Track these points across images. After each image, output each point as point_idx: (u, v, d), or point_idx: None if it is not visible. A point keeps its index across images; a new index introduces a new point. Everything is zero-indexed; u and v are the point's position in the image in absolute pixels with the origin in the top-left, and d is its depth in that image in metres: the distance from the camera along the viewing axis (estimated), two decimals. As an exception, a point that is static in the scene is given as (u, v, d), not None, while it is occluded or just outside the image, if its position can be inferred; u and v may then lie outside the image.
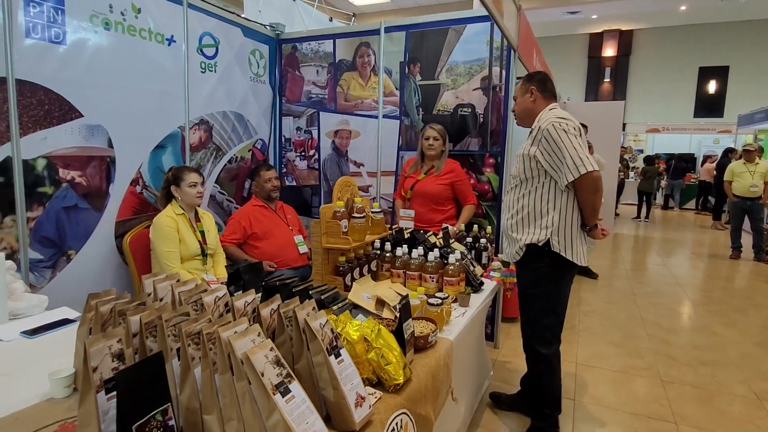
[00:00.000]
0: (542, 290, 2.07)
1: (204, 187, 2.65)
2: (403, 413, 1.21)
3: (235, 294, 1.33)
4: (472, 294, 2.06)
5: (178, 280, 1.33)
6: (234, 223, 3.06)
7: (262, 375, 0.91)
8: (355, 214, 1.97)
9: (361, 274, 2.07)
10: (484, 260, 2.55)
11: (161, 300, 1.30)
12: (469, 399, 2.17)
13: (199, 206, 2.68)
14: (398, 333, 1.36)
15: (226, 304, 1.23)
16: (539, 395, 2.15)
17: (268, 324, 1.15)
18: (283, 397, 0.92)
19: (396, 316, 1.43)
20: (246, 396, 0.93)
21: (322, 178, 3.89)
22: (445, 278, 2.04)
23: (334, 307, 1.42)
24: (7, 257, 2.12)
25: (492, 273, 2.48)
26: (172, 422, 0.93)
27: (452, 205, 3.16)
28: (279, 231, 3.12)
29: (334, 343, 1.11)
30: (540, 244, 2.01)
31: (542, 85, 2.10)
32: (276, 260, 3.02)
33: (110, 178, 2.57)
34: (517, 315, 3.78)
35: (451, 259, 2.05)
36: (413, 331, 1.44)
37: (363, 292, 1.87)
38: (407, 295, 1.45)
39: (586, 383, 2.81)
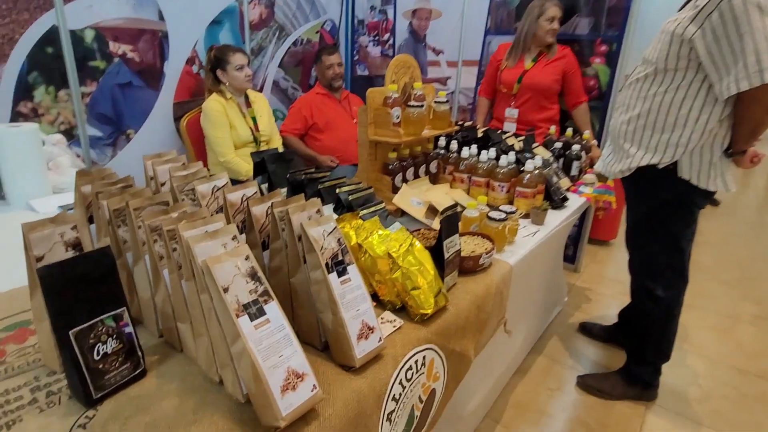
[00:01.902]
0: (663, 223, 1.59)
1: (252, 69, 2.40)
2: (428, 349, 0.96)
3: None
4: (550, 210, 1.67)
5: (184, 164, 1.13)
6: (295, 112, 2.84)
7: (226, 290, 0.69)
8: (412, 102, 1.60)
9: (416, 176, 1.75)
10: (574, 171, 2.08)
11: (162, 185, 1.12)
12: (531, 328, 1.89)
13: (249, 89, 2.47)
14: (437, 250, 1.07)
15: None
16: (646, 339, 1.77)
17: (262, 225, 0.92)
18: (252, 320, 0.70)
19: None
20: (212, 312, 0.73)
21: (396, 68, 3.44)
22: (517, 188, 1.65)
23: (363, 212, 1.15)
24: (67, 133, 2.12)
25: (582, 188, 2.02)
26: (129, 329, 0.77)
27: (557, 103, 2.61)
28: (341, 123, 2.85)
29: (339, 258, 0.85)
30: (661, 167, 1.50)
31: None
32: (336, 155, 2.79)
33: (164, 55, 2.42)
34: (608, 238, 3.30)
35: (529, 165, 1.64)
36: (459, 249, 1.14)
37: (413, 196, 1.57)
38: (456, 205, 1.13)
39: (686, 326, 2.37)
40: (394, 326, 0.96)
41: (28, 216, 1.49)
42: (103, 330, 0.74)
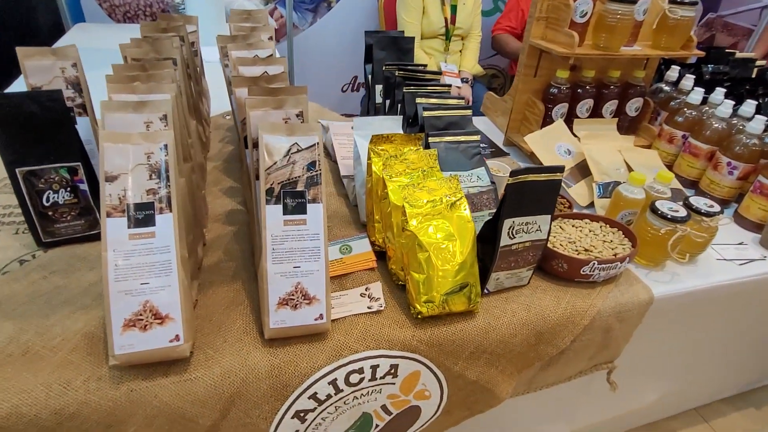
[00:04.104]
0: None
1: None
2: (405, 358, 0.65)
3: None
4: (812, 234, 0.93)
5: (256, 28, 0.97)
6: (512, 5, 2.30)
7: (111, 180, 0.54)
8: (622, -5, 1.00)
9: (596, 115, 1.19)
10: None
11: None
12: (695, 389, 1.25)
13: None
14: (490, 230, 0.68)
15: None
16: None
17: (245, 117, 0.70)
18: (129, 227, 0.54)
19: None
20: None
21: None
22: (759, 178, 0.95)
23: (433, 138, 0.80)
24: (275, -10, 2.20)
25: None
26: (84, 186, 0.72)
27: None
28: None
29: (297, 189, 0.59)
30: None
31: None
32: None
33: None
34: None
35: (804, 144, 0.90)
36: (544, 240, 0.71)
37: (563, 141, 1.08)
38: (553, 168, 0.67)
39: None
40: (370, 308, 0.67)
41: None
42: (56, 179, 0.70)
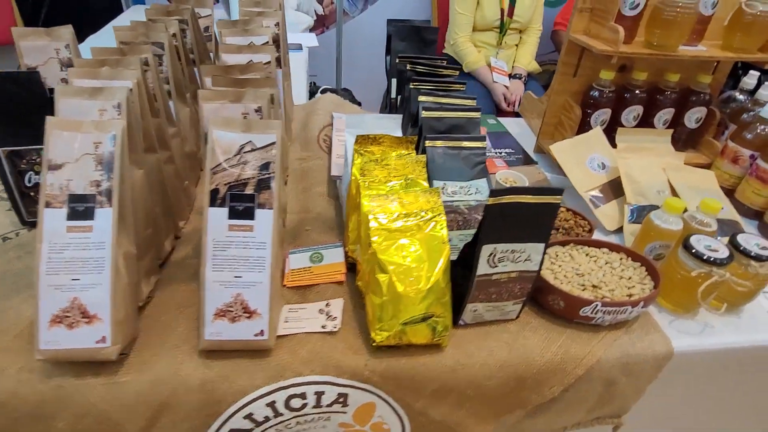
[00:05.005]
0: None
1: None
2: (356, 388, 0.59)
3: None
4: None
5: (264, 12, 0.92)
6: (580, -5, 2.09)
7: (55, 168, 0.52)
8: (684, -14, 0.84)
9: (646, 124, 1.03)
10: None
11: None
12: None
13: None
14: (469, 255, 0.59)
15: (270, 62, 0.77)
16: None
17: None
18: (68, 219, 0.52)
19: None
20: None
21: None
22: (844, 217, 0.77)
23: (430, 143, 0.72)
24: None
25: None
26: (64, 171, 0.71)
27: None
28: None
29: (246, 192, 0.54)
30: None
31: None
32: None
33: None
34: None
35: None
36: (534, 271, 0.60)
37: (599, 152, 0.95)
38: (550, 190, 0.56)
39: None
40: (324, 328, 0.60)
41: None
42: (37, 160, 0.70)
